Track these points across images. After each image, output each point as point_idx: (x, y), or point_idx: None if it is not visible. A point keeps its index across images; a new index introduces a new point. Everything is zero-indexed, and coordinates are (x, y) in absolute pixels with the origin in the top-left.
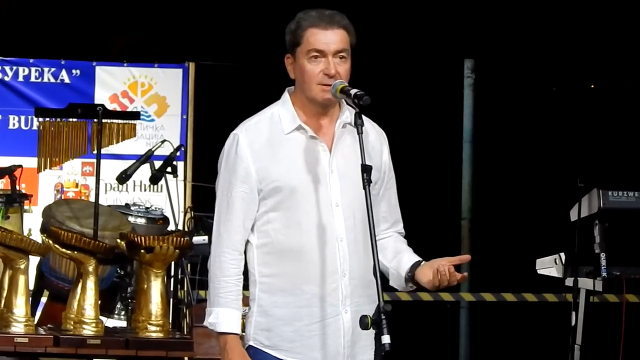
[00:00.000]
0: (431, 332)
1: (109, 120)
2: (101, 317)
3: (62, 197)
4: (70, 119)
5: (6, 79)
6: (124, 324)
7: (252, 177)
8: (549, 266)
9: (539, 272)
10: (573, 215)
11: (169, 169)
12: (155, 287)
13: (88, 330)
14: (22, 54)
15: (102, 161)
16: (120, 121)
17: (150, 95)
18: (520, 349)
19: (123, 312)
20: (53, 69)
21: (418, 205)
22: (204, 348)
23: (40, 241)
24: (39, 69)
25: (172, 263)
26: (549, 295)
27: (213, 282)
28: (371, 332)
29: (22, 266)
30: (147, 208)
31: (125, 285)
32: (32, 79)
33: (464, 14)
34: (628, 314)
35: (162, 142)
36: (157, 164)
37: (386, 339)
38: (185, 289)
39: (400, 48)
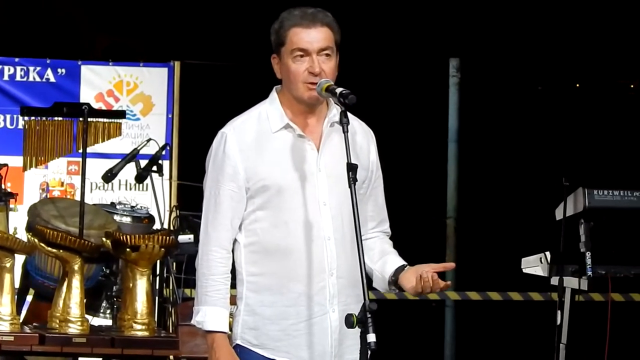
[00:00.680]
0: (416, 331)
1: (94, 119)
2: (87, 316)
3: (48, 196)
4: (56, 118)
5: None
6: (109, 322)
7: (240, 176)
8: (534, 265)
9: (525, 271)
10: (558, 214)
11: (154, 168)
12: (141, 285)
13: (73, 328)
14: (7, 52)
15: (88, 160)
16: (105, 120)
17: (136, 94)
18: (506, 348)
19: (109, 311)
20: (38, 68)
21: (403, 204)
22: (189, 347)
23: (25, 240)
24: (25, 68)
25: (158, 262)
26: (534, 294)
27: (201, 281)
28: (358, 331)
29: (8, 265)
30: (132, 207)
31: (110, 284)
32: (18, 78)
33: (449, 13)
34: (613, 312)
35: (148, 140)
36: (143, 162)
37: (371, 337)
38: (171, 287)
39: (386, 47)
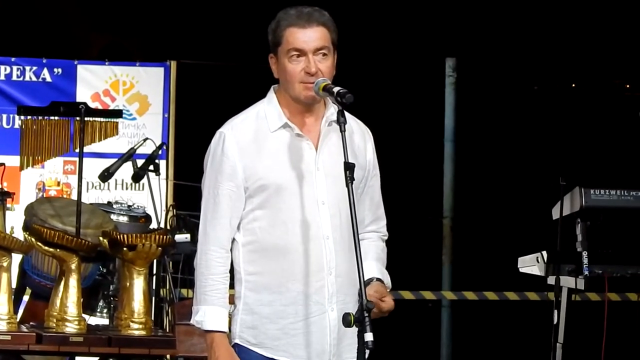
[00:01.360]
0: (413, 330)
1: (91, 119)
2: (84, 315)
3: (44, 196)
4: (53, 117)
5: None
6: (106, 321)
7: (239, 175)
8: (530, 264)
9: (521, 270)
10: (555, 214)
11: (151, 167)
12: (138, 284)
13: (71, 328)
14: (3, 52)
15: (84, 159)
16: (102, 119)
17: (132, 94)
18: (502, 347)
19: (105, 310)
20: (35, 68)
21: (400, 204)
22: (186, 346)
23: (22, 239)
24: (21, 67)
25: (155, 261)
26: (530, 293)
27: (200, 281)
28: (357, 330)
29: (5, 264)
30: (129, 206)
31: (107, 283)
32: (14, 77)
33: (445, 13)
34: (610, 312)
35: (145, 140)
36: (140, 162)
37: (369, 336)
38: (168, 286)
39: (382, 47)
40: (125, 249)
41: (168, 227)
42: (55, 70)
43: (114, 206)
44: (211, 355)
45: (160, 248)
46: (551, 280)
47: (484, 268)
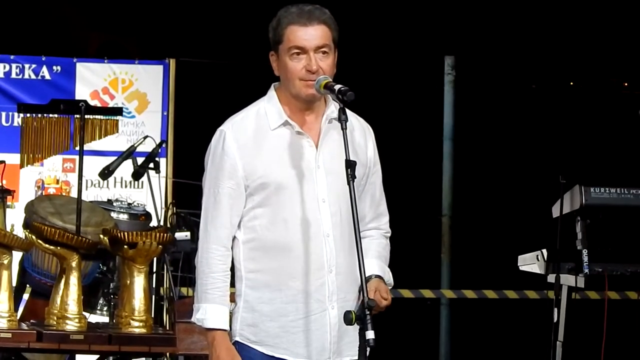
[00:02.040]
0: (412, 329)
1: (91, 116)
2: (84, 313)
3: (43, 193)
4: (53, 115)
5: None
6: (106, 319)
7: (239, 173)
8: (530, 263)
9: (521, 268)
10: (555, 212)
11: (151, 165)
12: (138, 282)
13: (71, 325)
14: (2, 50)
15: (84, 157)
16: (102, 117)
17: (131, 92)
18: (502, 346)
19: (106, 308)
20: (34, 66)
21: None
22: (186, 344)
23: (23, 237)
24: (20, 65)
25: (155, 259)
26: (530, 292)
27: (200, 279)
28: (357, 328)
29: (5, 262)
30: (129, 204)
31: (107, 281)
32: (13, 75)
33: (444, 11)
34: (610, 310)
35: (145, 138)
36: (140, 160)
37: (370, 334)
38: (168, 285)
39: (382, 45)
40: (125, 246)
41: (168, 225)
42: (55, 68)
43: (114, 204)
44: (212, 353)
45: (160, 246)
46: (551, 278)
47: (483, 266)
